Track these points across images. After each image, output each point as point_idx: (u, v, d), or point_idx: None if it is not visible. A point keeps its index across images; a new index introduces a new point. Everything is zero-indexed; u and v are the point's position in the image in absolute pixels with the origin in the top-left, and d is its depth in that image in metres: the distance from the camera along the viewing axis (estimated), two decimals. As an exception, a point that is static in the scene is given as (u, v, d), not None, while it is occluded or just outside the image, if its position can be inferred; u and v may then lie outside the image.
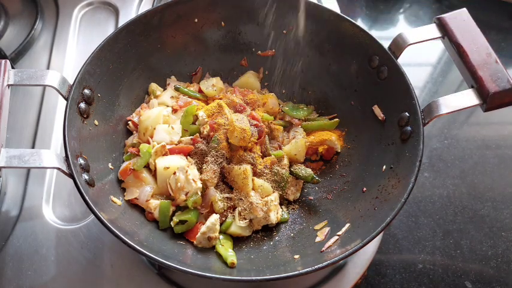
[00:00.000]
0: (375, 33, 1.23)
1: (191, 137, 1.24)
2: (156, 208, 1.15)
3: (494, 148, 1.56)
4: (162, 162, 1.16)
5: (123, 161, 1.23)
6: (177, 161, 1.17)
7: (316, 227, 1.17)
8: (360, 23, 1.53)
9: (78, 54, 1.63)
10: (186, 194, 1.13)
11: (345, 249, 0.97)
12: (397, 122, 1.16)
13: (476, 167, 1.51)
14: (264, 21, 1.38)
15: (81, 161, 1.05)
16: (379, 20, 1.92)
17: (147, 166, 1.19)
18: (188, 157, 1.21)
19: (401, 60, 1.18)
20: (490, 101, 1.04)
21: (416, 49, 1.19)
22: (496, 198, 1.44)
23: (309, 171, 1.25)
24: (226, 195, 1.18)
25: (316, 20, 1.31)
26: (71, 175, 0.98)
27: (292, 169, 1.26)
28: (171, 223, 1.15)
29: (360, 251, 0.95)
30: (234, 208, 1.18)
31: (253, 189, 1.18)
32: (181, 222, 1.14)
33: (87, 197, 0.97)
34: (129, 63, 1.28)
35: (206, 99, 1.38)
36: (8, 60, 1.04)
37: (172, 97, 1.34)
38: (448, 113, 1.05)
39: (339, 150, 1.32)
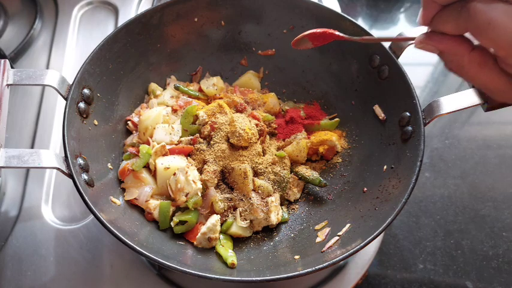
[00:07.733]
0: (375, 33, 1.23)
1: (191, 137, 1.23)
2: (155, 208, 1.14)
3: (495, 148, 1.56)
4: (162, 163, 1.16)
5: (123, 161, 1.22)
6: (177, 162, 1.17)
7: (317, 227, 1.17)
8: (360, 22, 1.53)
9: (77, 53, 1.62)
10: (186, 195, 1.12)
11: (346, 249, 0.96)
12: (397, 122, 1.15)
13: (477, 167, 1.50)
14: (264, 21, 1.37)
15: (81, 161, 1.05)
16: (380, 19, 1.91)
17: (146, 166, 1.19)
18: (188, 157, 1.21)
19: (402, 59, 1.17)
20: (491, 100, 1.04)
21: (417, 48, 1.18)
22: (497, 198, 1.44)
23: (316, 174, 1.25)
24: (227, 195, 1.18)
25: (316, 19, 1.31)
26: (70, 175, 0.98)
27: (298, 171, 1.26)
28: (171, 223, 1.14)
29: (360, 251, 0.95)
30: (234, 208, 1.18)
31: (253, 189, 1.17)
32: (181, 222, 1.13)
33: (86, 197, 0.96)
34: (128, 63, 1.27)
35: (207, 99, 1.37)
36: (7, 60, 1.04)
37: (172, 97, 1.33)
38: (449, 112, 1.04)
39: (340, 150, 1.32)
